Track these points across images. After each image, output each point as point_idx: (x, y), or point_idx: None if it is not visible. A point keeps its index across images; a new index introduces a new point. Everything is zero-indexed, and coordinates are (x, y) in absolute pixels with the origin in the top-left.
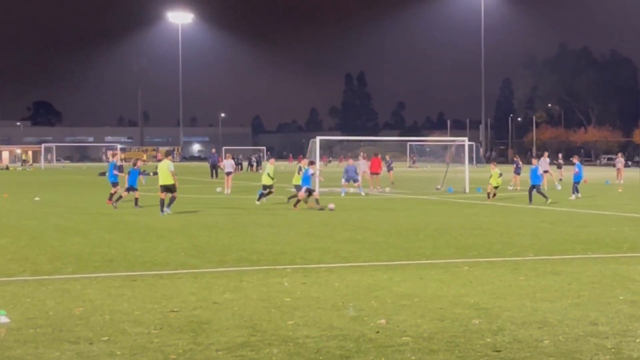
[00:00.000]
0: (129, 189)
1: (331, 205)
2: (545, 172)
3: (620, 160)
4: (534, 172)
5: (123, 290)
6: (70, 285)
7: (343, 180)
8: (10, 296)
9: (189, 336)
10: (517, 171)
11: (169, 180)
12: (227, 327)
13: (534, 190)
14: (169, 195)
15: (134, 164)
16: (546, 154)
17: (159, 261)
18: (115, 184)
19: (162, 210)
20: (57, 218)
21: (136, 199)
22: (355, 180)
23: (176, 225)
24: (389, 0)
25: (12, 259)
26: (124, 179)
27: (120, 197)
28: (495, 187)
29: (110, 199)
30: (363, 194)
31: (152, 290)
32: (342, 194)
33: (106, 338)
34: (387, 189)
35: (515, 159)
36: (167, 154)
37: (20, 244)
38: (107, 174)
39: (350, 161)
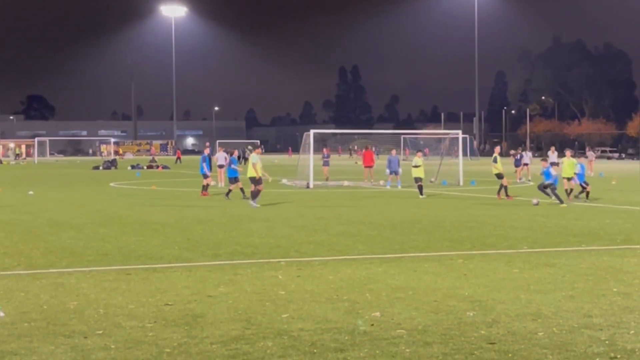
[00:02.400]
0: (232, 181)
1: (535, 201)
2: (554, 163)
3: (591, 153)
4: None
5: (117, 284)
6: (65, 279)
7: (387, 172)
8: (5, 290)
9: (184, 330)
10: (517, 164)
11: (253, 173)
12: (221, 320)
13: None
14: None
15: (231, 154)
16: (552, 148)
17: (153, 255)
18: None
19: (252, 201)
20: (51, 212)
21: (229, 190)
22: (397, 173)
23: (170, 219)
24: None
25: (6, 254)
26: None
27: (230, 191)
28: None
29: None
30: (399, 187)
31: (147, 284)
32: (388, 186)
33: (100, 332)
34: (382, 182)
35: (512, 152)
36: (256, 147)
37: (14, 238)
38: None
39: (394, 152)
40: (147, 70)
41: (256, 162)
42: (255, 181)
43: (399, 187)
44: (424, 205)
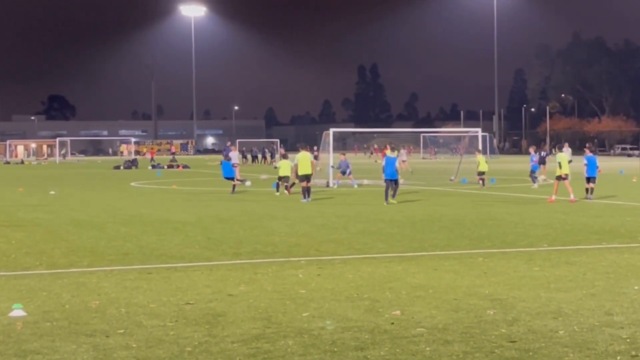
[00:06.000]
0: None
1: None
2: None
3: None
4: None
5: (138, 283)
6: (86, 279)
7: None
8: (27, 290)
9: (205, 328)
10: (542, 161)
11: (309, 170)
12: (242, 319)
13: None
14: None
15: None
16: (566, 144)
17: (174, 254)
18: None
19: (305, 198)
20: (72, 212)
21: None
22: (345, 173)
23: (190, 218)
24: None
25: (28, 253)
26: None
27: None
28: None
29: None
30: (356, 185)
31: (168, 283)
32: (336, 186)
33: (122, 331)
34: (401, 181)
35: (541, 149)
36: (305, 147)
37: (36, 237)
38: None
39: (343, 157)
40: (167, 70)
41: (313, 161)
42: (309, 178)
43: (355, 185)
44: (443, 204)
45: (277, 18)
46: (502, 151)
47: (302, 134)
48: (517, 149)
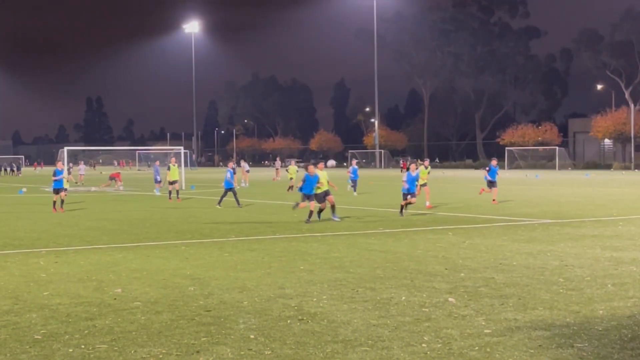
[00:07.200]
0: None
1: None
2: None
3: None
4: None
5: None
6: None
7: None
8: None
9: None
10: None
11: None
12: None
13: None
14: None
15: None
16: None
17: None
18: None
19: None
20: None
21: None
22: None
23: None
24: (122, 37)
25: None
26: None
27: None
28: None
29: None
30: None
31: None
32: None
33: None
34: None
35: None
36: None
37: None
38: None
39: (157, 162)
40: None
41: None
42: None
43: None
44: (155, 206)
45: (23, 59)
46: (200, 164)
47: (42, 152)
48: (211, 163)
